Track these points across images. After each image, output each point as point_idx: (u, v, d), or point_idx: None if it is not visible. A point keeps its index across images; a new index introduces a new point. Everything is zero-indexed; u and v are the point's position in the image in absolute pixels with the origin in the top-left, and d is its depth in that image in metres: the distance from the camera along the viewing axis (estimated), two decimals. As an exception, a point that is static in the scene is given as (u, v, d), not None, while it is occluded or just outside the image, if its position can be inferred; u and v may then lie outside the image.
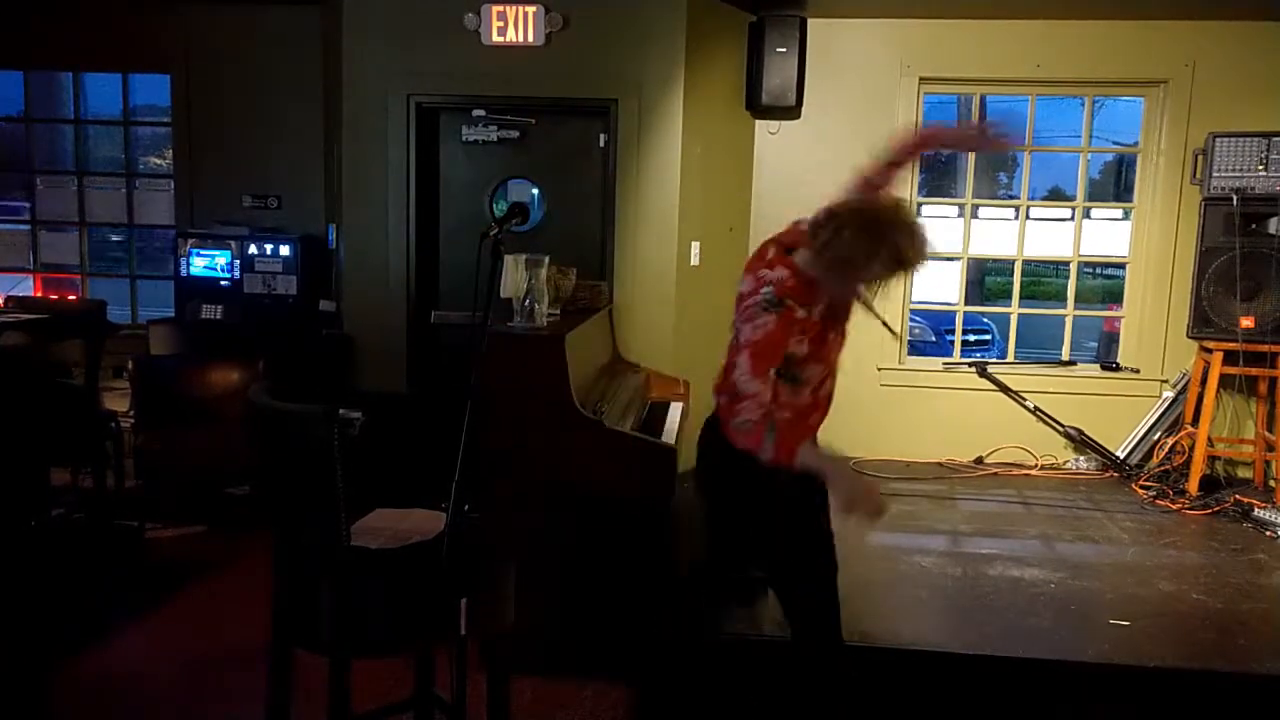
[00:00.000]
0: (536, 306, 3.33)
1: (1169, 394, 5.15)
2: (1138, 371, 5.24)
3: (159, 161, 6.13)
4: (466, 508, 2.03)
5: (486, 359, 3.03)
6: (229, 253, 5.06)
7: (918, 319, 7.78)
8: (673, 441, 3.44)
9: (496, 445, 3.00)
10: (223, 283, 5.07)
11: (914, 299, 5.44)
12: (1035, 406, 5.24)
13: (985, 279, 12.30)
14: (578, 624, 3.06)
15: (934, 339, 9.30)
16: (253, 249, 5.05)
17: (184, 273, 5.09)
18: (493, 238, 2.07)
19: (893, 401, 5.32)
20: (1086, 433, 5.15)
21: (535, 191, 4.78)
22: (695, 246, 4.80)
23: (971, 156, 5.45)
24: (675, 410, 4.08)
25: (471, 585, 1.96)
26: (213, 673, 2.96)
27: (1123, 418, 5.18)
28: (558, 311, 3.74)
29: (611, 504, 3.03)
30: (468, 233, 4.66)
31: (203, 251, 5.08)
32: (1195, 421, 4.80)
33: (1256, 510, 4.37)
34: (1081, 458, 5.24)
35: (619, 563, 3.04)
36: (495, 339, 3.18)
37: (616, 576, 3.04)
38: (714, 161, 4.89)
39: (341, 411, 1.97)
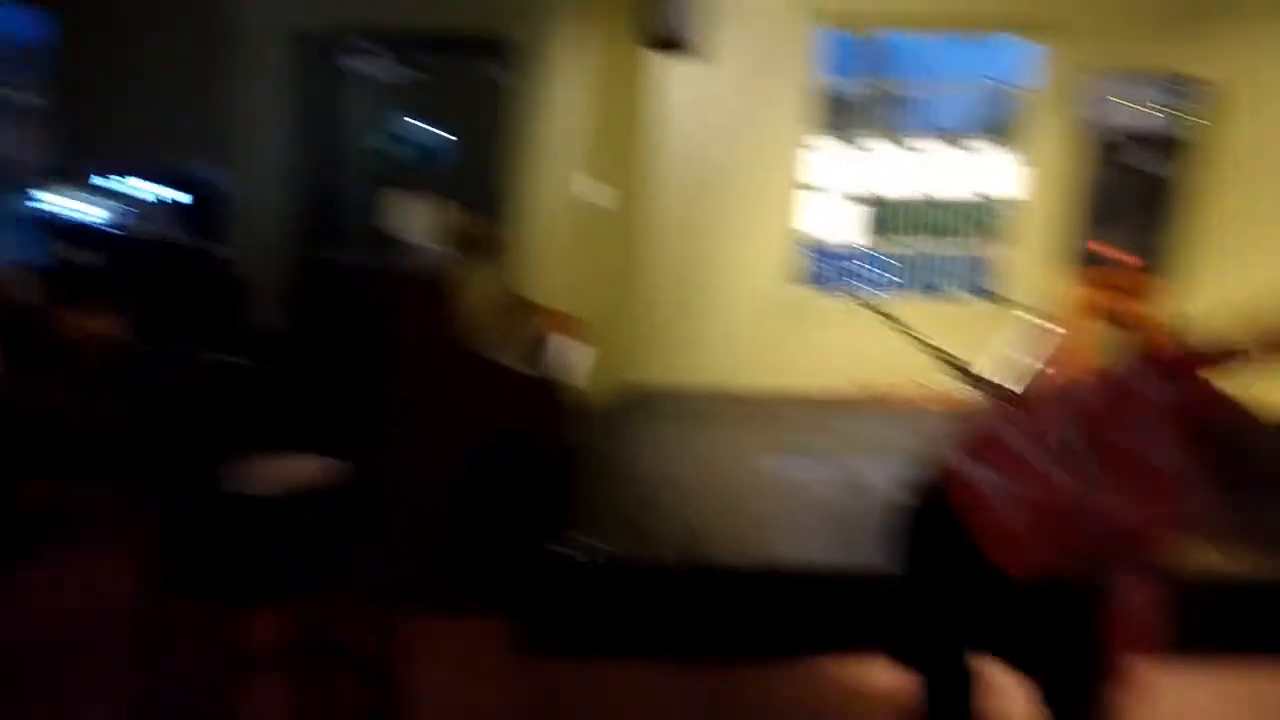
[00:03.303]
0: (434, 246, 3.28)
1: (1050, 325, 5.40)
2: (1023, 304, 5.48)
3: (28, 97, 5.73)
4: (361, 450, 2.02)
5: (382, 300, 2.99)
6: (106, 194, 4.79)
7: (815, 254, 7.93)
8: (573, 378, 3.47)
9: (392, 386, 2.98)
10: (99, 225, 4.81)
11: (813, 234, 5.53)
12: (927, 337, 5.44)
13: (882, 214, 12.60)
14: (476, 561, 3.09)
15: (831, 273, 9.51)
16: (134, 191, 4.80)
17: (49, 215, 4.81)
18: (386, 177, 2.02)
19: (791, 334, 5.45)
20: (973, 363, 5.38)
21: (429, 130, 4.65)
22: (593, 186, 4.77)
23: (869, 92, 5.54)
24: (574, 347, 4.09)
25: (366, 528, 1.97)
26: (87, 625, 2.88)
27: (1009, 349, 5.43)
28: (454, 251, 3.69)
29: (509, 441, 3.05)
30: (360, 172, 4.52)
31: (75, 192, 4.80)
32: (1075, 351, 5.06)
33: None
34: (973, 388, 5.48)
35: (516, 499, 3.08)
36: (391, 279, 3.13)
37: (517, 511, 3.08)
38: (613, 100, 4.83)
39: (223, 356, 1.93)
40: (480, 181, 4.56)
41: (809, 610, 3.00)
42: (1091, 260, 4.91)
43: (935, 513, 1.89)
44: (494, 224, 4.23)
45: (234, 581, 2.01)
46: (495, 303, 3.95)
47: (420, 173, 4.40)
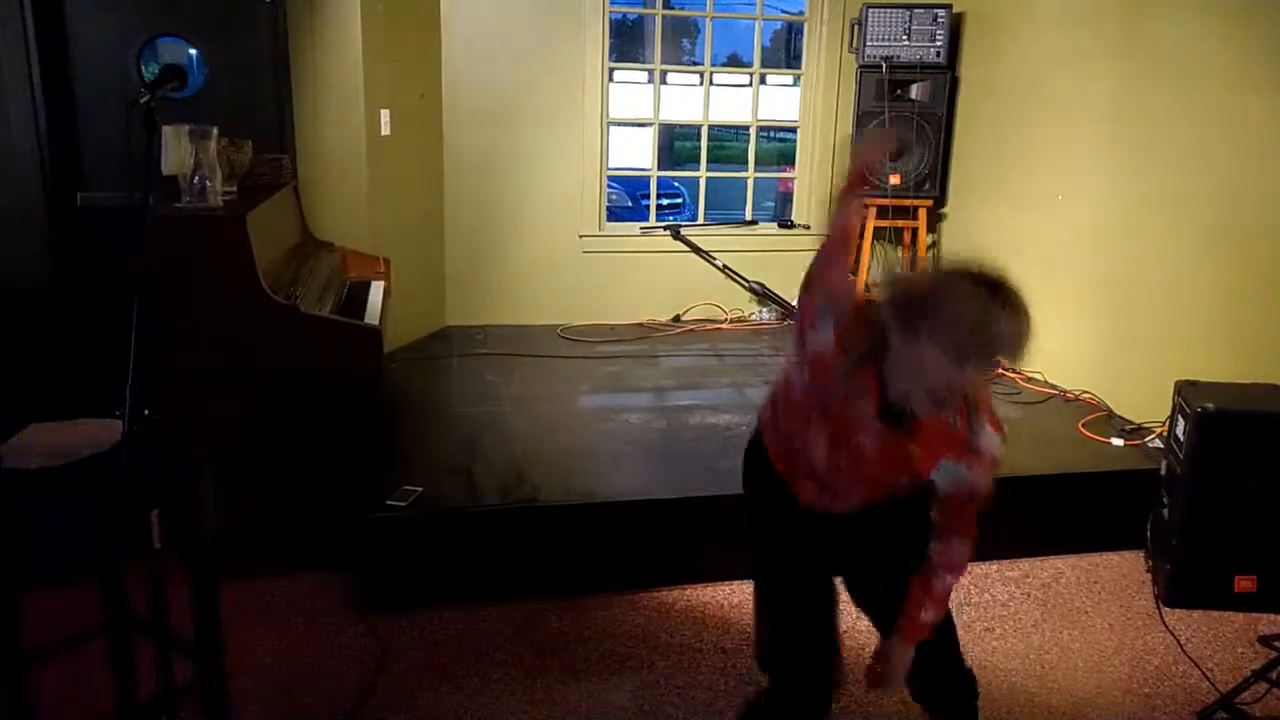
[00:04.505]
0: (209, 184, 3.00)
1: (834, 247, 5.73)
2: (809, 228, 5.77)
3: None
4: (147, 412, 1.83)
5: (156, 245, 2.70)
6: None
7: (614, 185, 7.96)
8: (376, 321, 3.32)
9: (179, 341, 2.73)
10: None
11: (610, 165, 5.53)
12: (724, 265, 5.62)
13: (674, 144, 12.81)
14: (290, 518, 2.94)
15: (630, 204, 9.60)
16: None
17: None
18: (144, 105, 1.80)
19: (594, 267, 5.47)
20: (768, 286, 5.63)
21: (192, 52, 4.20)
22: (385, 115, 4.52)
23: (658, 21, 5.55)
24: (376, 289, 3.92)
25: (161, 494, 1.80)
26: None
27: (798, 270, 5.70)
28: (234, 189, 3.41)
29: (316, 393, 2.89)
30: (113, 100, 4.03)
31: None
32: (856, 271, 5.41)
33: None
34: (765, 309, 5.74)
35: (329, 451, 2.93)
36: (164, 222, 2.84)
37: (328, 466, 2.94)
38: (399, 20, 4.56)
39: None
40: (258, 112, 4.20)
41: (638, 543, 3.08)
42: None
43: (760, 456, 1.94)
44: (277, 159, 3.92)
45: (6, 565, 1.80)
46: (287, 244, 3.70)
47: (187, 99, 3.98)
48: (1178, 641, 2.82)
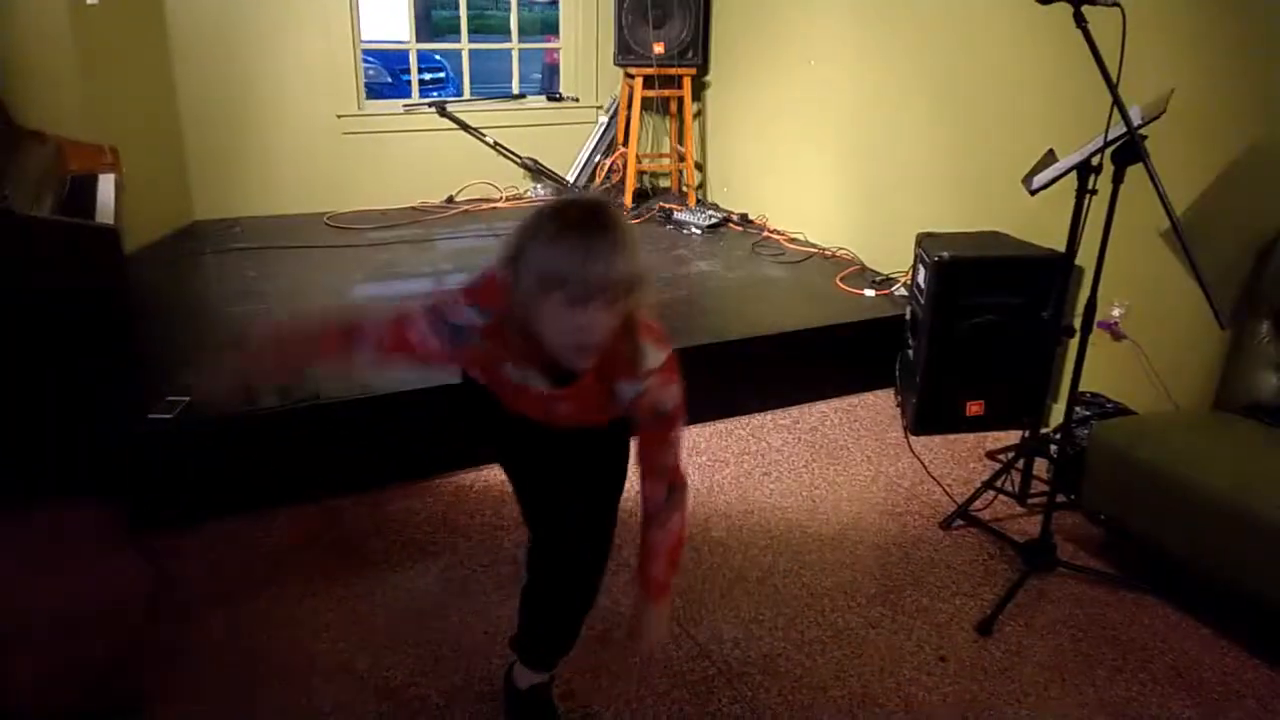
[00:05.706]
0: None
1: (604, 119, 5.72)
2: (577, 100, 5.70)
3: None
4: None
5: None
6: None
7: (371, 60, 7.45)
8: (110, 220, 2.99)
9: None
10: None
11: (364, 39, 5.16)
12: (495, 141, 5.47)
13: (432, 14, 12.07)
14: (41, 449, 2.67)
15: (390, 80, 9.05)
16: None
17: None
18: None
19: (357, 150, 5.16)
20: (541, 161, 5.55)
21: None
22: (89, -19, 3.94)
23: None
24: (106, 183, 3.51)
25: None
26: None
27: (569, 144, 5.67)
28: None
29: (48, 308, 2.58)
30: None
31: None
32: (626, 142, 5.43)
33: (675, 214, 5.20)
34: (539, 185, 5.67)
35: (73, 371, 2.66)
36: None
37: (75, 387, 2.67)
38: None
39: None
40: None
41: (429, 430, 3.04)
42: (635, 57, 5.20)
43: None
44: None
45: None
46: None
47: None
48: (922, 464, 3.20)
